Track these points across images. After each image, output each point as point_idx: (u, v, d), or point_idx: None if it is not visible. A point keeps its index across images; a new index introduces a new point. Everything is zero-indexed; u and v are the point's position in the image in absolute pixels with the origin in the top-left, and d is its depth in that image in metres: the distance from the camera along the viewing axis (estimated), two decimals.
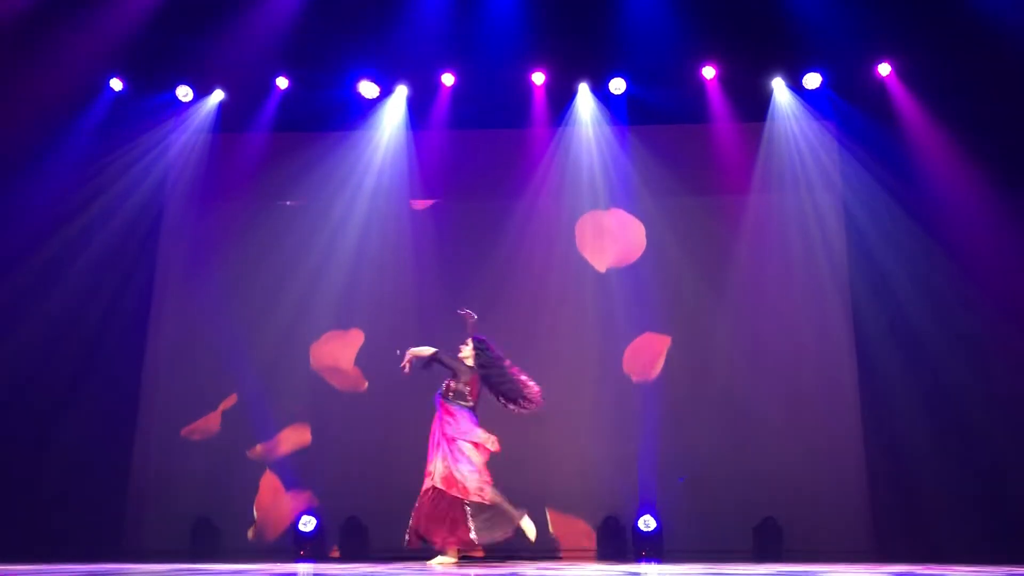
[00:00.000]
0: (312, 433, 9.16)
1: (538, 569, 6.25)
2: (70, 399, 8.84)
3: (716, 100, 9.39)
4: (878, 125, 9.11)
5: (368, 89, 9.54)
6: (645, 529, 8.44)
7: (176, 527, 8.79)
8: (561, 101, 9.63)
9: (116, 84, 9.40)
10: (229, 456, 9.05)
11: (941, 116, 8.84)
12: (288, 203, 9.69)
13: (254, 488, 8.99)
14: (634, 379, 9.18)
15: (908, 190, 8.93)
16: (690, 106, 9.40)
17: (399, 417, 8.62)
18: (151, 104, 9.54)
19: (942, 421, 8.52)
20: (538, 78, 9.44)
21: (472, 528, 6.55)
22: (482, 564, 6.89)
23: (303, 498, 8.91)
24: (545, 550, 8.46)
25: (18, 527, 8.25)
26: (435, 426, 6.89)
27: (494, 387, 6.95)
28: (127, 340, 9.31)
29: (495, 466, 8.45)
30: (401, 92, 9.68)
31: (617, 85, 9.44)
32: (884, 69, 9.12)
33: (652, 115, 9.51)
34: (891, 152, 9.01)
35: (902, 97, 9.07)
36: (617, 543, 8.50)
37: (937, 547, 8.01)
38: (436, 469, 6.70)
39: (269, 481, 9.07)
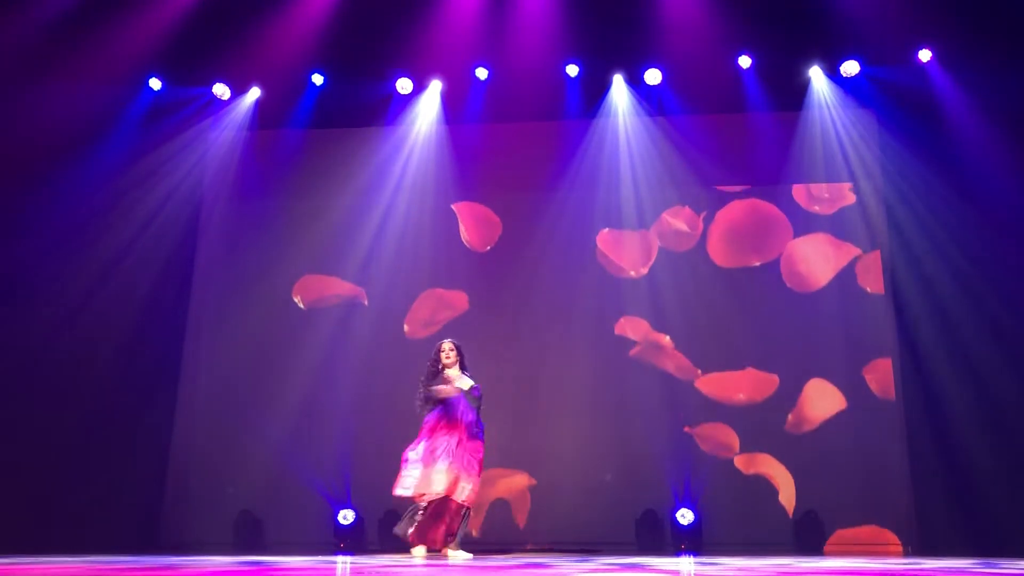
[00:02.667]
0: (351, 425, 9.20)
1: (577, 561, 6.26)
2: (110, 393, 8.96)
3: (753, 89, 9.30)
4: (918, 112, 8.97)
5: (403, 85, 9.57)
6: (683, 522, 8.40)
7: (219, 520, 8.89)
8: (596, 93, 9.60)
9: (155, 83, 9.52)
10: (272, 448, 9.13)
11: (983, 102, 8.67)
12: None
13: (295, 480, 9.04)
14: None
15: (950, 177, 8.78)
16: (726, 96, 9.32)
17: None
18: (189, 102, 9.67)
19: (986, 415, 8.39)
20: (572, 70, 9.40)
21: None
22: (519, 555, 6.90)
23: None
24: (585, 543, 8.48)
25: (60, 521, 8.40)
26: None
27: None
28: (166, 335, 9.44)
29: (540, 458, 8.52)
30: (435, 87, 9.71)
31: (652, 76, 9.38)
32: (924, 55, 8.97)
33: (688, 105, 9.45)
34: (932, 139, 8.87)
35: (943, 83, 8.92)
36: (656, 536, 8.47)
37: (982, 542, 7.88)
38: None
39: None
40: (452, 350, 6.85)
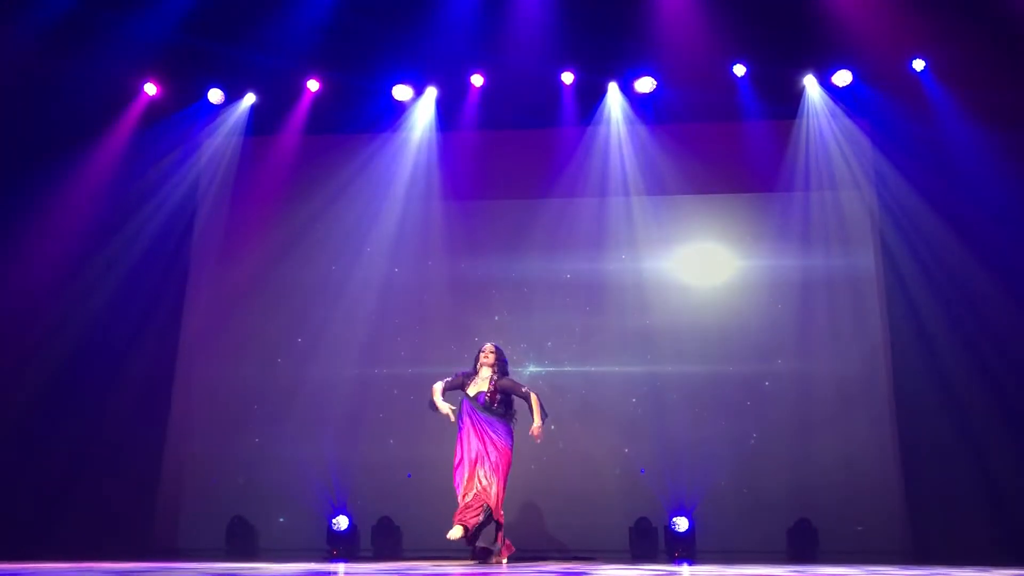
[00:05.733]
0: (344, 432, 9.18)
1: (571, 569, 6.26)
2: (104, 399, 8.95)
3: (747, 98, 9.32)
4: (912, 122, 8.99)
5: (399, 91, 9.57)
6: (678, 530, 8.40)
7: (211, 526, 8.86)
8: (591, 100, 9.61)
9: (150, 89, 9.50)
10: (265, 454, 9.10)
11: (977, 112, 8.69)
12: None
13: (288, 486, 9.00)
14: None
15: (943, 188, 8.80)
16: (721, 104, 9.33)
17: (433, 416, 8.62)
18: (185, 108, 9.64)
19: (979, 421, 8.41)
20: (567, 78, 9.42)
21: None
22: (513, 564, 6.89)
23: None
24: (579, 550, 8.48)
25: (54, 527, 8.37)
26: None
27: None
28: (161, 340, 9.41)
29: (533, 467, 8.55)
30: (431, 94, 9.71)
31: (647, 84, 9.40)
32: (918, 65, 9.00)
33: (682, 113, 9.46)
34: (926, 149, 8.89)
35: (937, 93, 8.95)
36: (650, 543, 8.47)
37: (974, 549, 7.91)
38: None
39: None
40: (492, 352, 7.08)
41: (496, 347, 7.15)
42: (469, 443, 6.86)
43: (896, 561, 8.05)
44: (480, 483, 6.72)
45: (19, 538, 7.93)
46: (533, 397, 6.94)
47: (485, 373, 7.04)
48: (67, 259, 9.03)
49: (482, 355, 7.10)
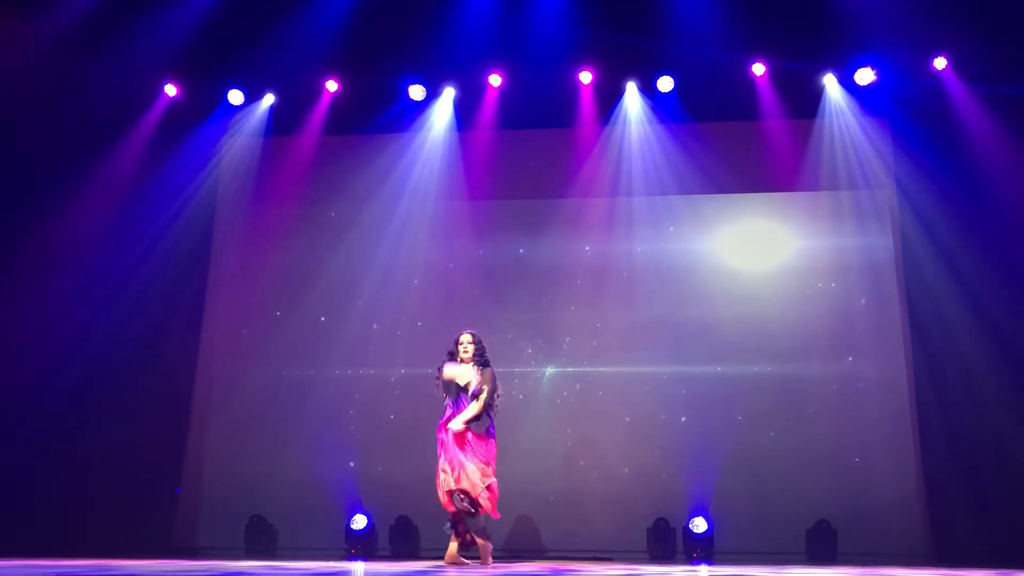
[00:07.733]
0: (363, 431, 9.21)
1: (590, 569, 6.25)
2: (125, 397, 9.01)
3: (767, 97, 9.28)
4: (933, 121, 8.93)
5: (416, 92, 9.59)
6: (696, 531, 8.37)
7: (230, 525, 8.90)
8: (609, 100, 9.58)
9: (170, 90, 9.57)
10: (284, 453, 9.14)
11: (999, 111, 8.63)
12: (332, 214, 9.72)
13: (307, 485, 9.03)
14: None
15: (965, 187, 8.73)
16: (740, 103, 9.29)
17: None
18: (204, 109, 9.70)
19: (1000, 422, 8.34)
20: (585, 77, 9.40)
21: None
22: (531, 563, 6.89)
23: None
24: (596, 550, 8.47)
25: (74, 524, 8.45)
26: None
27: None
28: (181, 340, 9.47)
29: (551, 465, 8.47)
30: (449, 94, 9.72)
31: (665, 83, 9.37)
32: (940, 63, 8.93)
33: (701, 113, 9.43)
34: (947, 149, 8.82)
35: (958, 92, 8.88)
36: (668, 544, 8.45)
37: (996, 550, 7.84)
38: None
39: None
40: (471, 343, 6.72)
41: (474, 336, 6.78)
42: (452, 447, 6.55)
43: (916, 563, 8.00)
44: (467, 480, 6.44)
45: (40, 535, 8.01)
46: (479, 400, 6.56)
47: (466, 368, 6.68)
48: (88, 260, 9.09)
49: (460, 348, 6.73)
